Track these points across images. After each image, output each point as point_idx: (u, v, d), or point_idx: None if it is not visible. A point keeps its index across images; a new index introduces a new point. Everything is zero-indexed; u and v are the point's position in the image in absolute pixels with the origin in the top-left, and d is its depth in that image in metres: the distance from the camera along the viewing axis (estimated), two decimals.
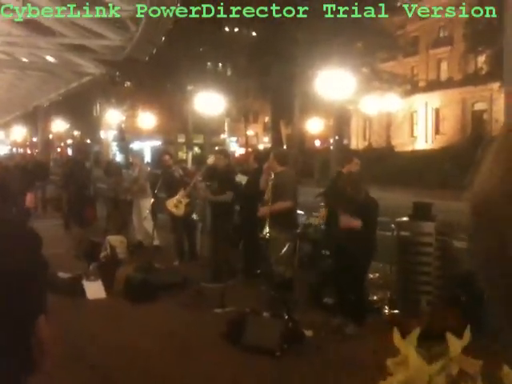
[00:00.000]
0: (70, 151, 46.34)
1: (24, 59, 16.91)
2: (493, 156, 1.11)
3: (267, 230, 6.19)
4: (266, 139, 48.92)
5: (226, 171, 8.16)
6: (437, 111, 39.30)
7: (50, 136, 45.53)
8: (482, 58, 33.10)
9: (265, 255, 6.66)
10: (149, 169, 11.60)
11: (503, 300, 1.13)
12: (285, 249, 6.05)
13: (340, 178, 6.58)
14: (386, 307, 6.32)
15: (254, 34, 34.79)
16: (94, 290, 7.09)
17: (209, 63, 35.50)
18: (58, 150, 39.60)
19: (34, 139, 45.82)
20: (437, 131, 39.29)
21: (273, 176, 6.57)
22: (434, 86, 38.55)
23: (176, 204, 8.95)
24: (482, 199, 1.13)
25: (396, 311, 6.19)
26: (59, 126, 44.63)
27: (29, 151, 43.33)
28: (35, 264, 0.66)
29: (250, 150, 32.14)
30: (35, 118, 29.91)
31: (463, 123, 36.89)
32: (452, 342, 1.01)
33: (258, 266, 7.59)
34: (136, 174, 10.57)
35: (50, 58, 16.77)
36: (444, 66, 39.13)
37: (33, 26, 13.47)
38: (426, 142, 38.85)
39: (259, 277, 7.49)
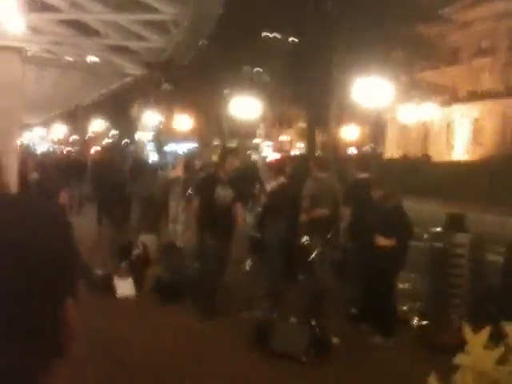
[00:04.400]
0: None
1: (68, 58, 17.35)
2: None
3: (305, 238, 6.23)
4: (300, 145, 48.81)
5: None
6: (476, 122, 38.54)
7: (90, 135, 46.44)
8: None
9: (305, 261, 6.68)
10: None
11: None
12: (313, 255, 6.05)
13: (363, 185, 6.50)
14: (416, 318, 6.24)
15: (291, 40, 34.79)
16: (125, 287, 7.21)
17: (246, 68, 35.67)
18: (97, 148, 40.45)
19: (74, 137, 46.80)
20: (475, 142, 38.52)
21: (311, 182, 6.63)
22: (474, 96, 37.83)
23: None
24: None
25: (425, 322, 6.11)
26: (98, 125, 45.48)
27: (68, 149, 44.31)
28: (67, 247, 0.69)
29: (283, 154, 32.13)
30: (76, 116, 30.58)
31: (503, 135, 36.07)
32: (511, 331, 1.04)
33: (297, 271, 7.61)
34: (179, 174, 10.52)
35: (93, 58, 17.16)
36: (485, 76, 38.37)
37: (77, 26, 13.82)
38: (464, 152, 38.14)
39: (291, 277, 7.52)
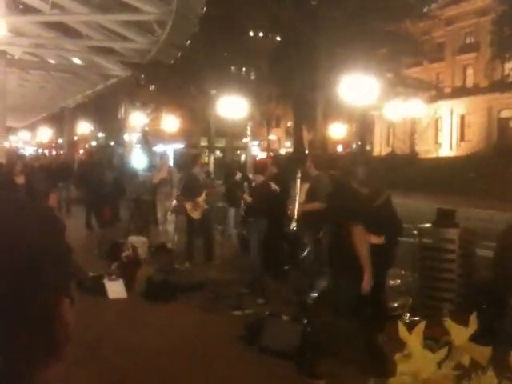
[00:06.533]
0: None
1: (51, 61, 17.21)
2: None
3: (293, 225, 6.33)
4: (288, 144, 48.93)
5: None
6: (462, 118, 38.82)
7: (75, 137, 46.18)
8: (508, 65, 32.64)
9: (292, 253, 6.75)
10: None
11: None
12: (305, 252, 6.05)
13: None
14: (407, 314, 6.25)
15: (277, 39, 34.83)
16: (115, 289, 7.15)
17: (232, 68, 35.64)
18: (82, 151, 40.31)
19: (60, 140, 46.52)
20: (462, 138, 38.79)
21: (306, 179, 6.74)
22: (459, 92, 38.10)
23: (195, 207, 9.06)
24: None
25: (417, 318, 6.11)
26: (84, 127, 45.24)
27: (54, 152, 44.02)
28: (59, 246, 0.67)
29: (270, 153, 32.16)
30: (61, 119, 30.37)
31: (489, 130, 36.37)
32: (455, 330, 1.00)
33: (283, 263, 7.66)
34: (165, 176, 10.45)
35: (76, 60, 17.03)
36: (470, 72, 38.66)
37: (60, 28, 13.71)
38: (451, 149, 38.39)
39: (285, 274, 7.54)
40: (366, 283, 4.69)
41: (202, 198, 9.09)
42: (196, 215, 9.11)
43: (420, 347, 1.02)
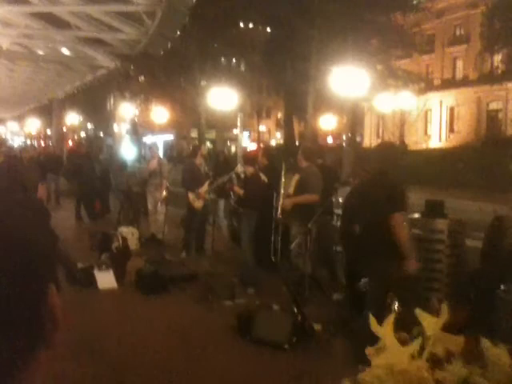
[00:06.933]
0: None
1: (40, 52, 17.07)
2: None
3: (279, 212, 6.41)
4: (279, 135, 48.93)
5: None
6: (451, 110, 38.99)
7: (64, 129, 45.85)
8: (498, 57, 32.79)
9: (283, 245, 6.80)
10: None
11: None
12: (295, 242, 6.09)
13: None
14: (396, 303, 6.31)
15: (268, 30, 34.73)
16: (105, 279, 7.15)
17: (223, 59, 35.50)
18: (70, 142, 39.97)
19: (48, 131, 46.17)
20: (451, 130, 38.99)
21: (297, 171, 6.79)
22: (449, 84, 38.24)
23: (198, 197, 9.07)
24: None
25: (406, 307, 6.18)
26: (73, 118, 44.89)
27: (42, 143, 43.67)
28: (50, 238, 0.69)
29: (261, 145, 32.15)
30: (50, 110, 30.14)
31: (478, 122, 36.58)
32: (427, 320, 1.01)
33: (270, 254, 7.72)
34: (155, 167, 10.51)
35: (65, 51, 16.90)
36: (459, 64, 38.79)
37: (49, 18, 13.57)
38: (440, 140, 38.59)
39: (273, 265, 7.60)
40: (413, 264, 4.90)
41: (204, 189, 9.08)
42: (198, 205, 9.11)
43: (393, 340, 1.03)
